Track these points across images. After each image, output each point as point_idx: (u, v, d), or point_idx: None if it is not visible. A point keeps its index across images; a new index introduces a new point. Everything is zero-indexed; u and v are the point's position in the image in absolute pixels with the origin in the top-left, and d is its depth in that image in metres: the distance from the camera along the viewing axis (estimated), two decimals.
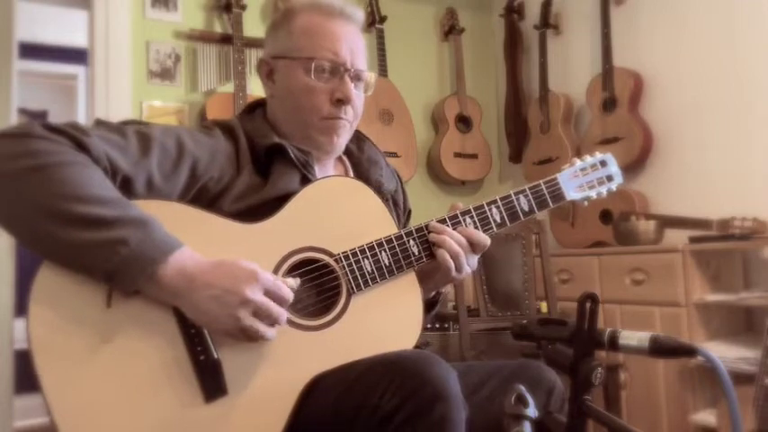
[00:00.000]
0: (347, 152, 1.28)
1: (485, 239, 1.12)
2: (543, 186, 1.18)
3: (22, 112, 3.80)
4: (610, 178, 1.24)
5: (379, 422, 0.87)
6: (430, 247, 1.10)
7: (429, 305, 1.20)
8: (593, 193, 1.22)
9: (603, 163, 1.24)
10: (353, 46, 1.15)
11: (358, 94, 1.18)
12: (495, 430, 0.81)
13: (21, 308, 2.74)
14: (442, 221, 1.12)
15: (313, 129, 1.15)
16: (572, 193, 1.20)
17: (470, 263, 1.11)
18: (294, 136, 1.15)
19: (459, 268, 1.09)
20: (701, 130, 2.57)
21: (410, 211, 1.36)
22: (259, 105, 1.23)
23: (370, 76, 1.20)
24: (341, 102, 1.14)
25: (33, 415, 3.33)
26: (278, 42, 1.19)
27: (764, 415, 1.70)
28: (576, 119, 3.05)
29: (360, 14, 1.20)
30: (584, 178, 1.22)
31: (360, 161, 1.27)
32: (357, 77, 1.17)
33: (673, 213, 2.52)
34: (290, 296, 0.94)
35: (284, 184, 1.07)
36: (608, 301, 2.44)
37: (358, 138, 1.31)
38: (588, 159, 1.24)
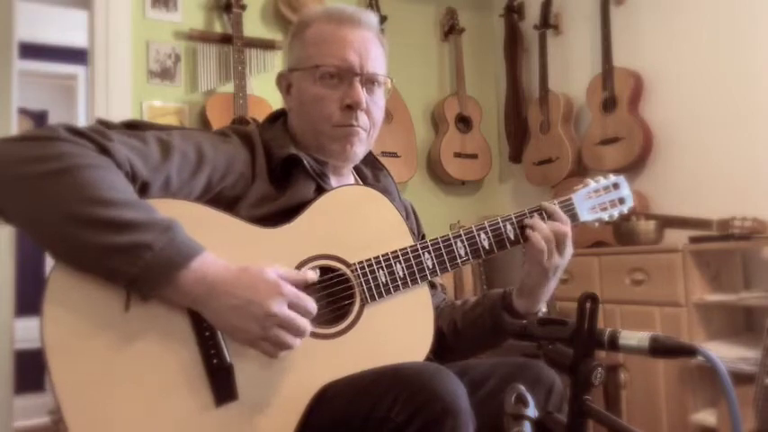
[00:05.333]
0: (362, 177, 1.27)
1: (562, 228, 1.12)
2: (558, 206, 1.17)
3: (22, 112, 3.81)
4: (622, 201, 1.23)
5: None
6: (444, 261, 1.10)
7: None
8: (605, 216, 1.21)
9: (616, 185, 1.23)
10: (363, 50, 1.13)
11: (373, 100, 1.15)
12: (495, 430, 0.81)
13: (21, 308, 2.74)
14: (457, 235, 1.11)
15: (325, 138, 1.14)
16: (585, 215, 1.19)
17: (562, 253, 1.12)
18: (310, 146, 1.14)
19: (549, 253, 1.11)
20: (701, 130, 2.57)
21: (424, 236, 1.34)
22: (281, 115, 1.22)
23: (388, 80, 1.18)
24: (351, 108, 1.12)
25: (33, 415, 3.34)
26: (293, 55, 1.18)
27: (764, 415, 1.70)
28: (576, 119, 3.05)
29: (372, 18, 1.17)
30: (597, 200, 1.21)
31: (375, 189, 1.23)
32: (371, 82, 1.14)
33: (673, 213, 2.52)
34: (314, 309, 0.93)
35: (299, 194, 1.07)
36: (608, 301, 2.44)
37: (375, 166, 1.29)
38: (602, 181, 1.23)
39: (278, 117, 1.22)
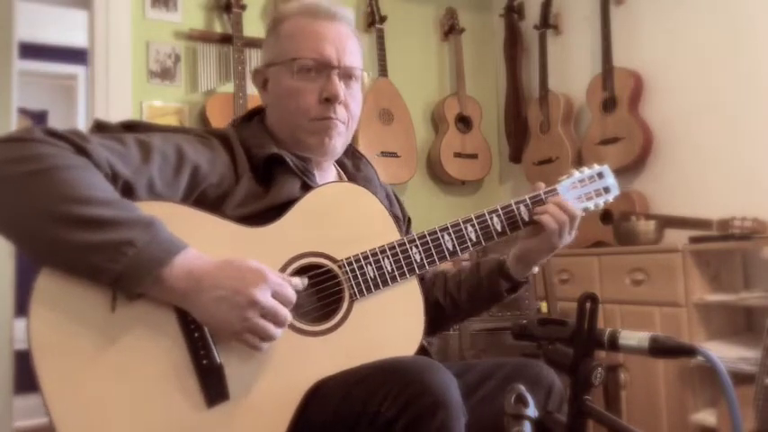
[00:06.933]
0: (343, 167, 1.27)
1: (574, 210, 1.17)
2: (543, 197, 1.19)
3: (22, 112, 3.81)
4: (607, 190, 1.25)
5: (379, 429, 0.87)
6: (432, 255, 1.10)
7: (513, 288, 1.26)
8: (590, 205, 1.23)
9: (600, 175, 1.26)
10: (340, 44, 1.13)
11: (351, 94, 1.16)
12: (495, 430, 0.81)
13: (21, 308, 2.74)
14: (444, 228, 1.13)
15: (303, 131, 1.14)
16: None
17: (571, 233, 1.19)
18: (288, 142, 1.14)
19: (560, 233, 1.16)
20: (701, 130, 2.57)
21: (410, 219, 1.35)
22: (257, 113, 1.22)
23: (364, 75, 1.18)
24: (329, 101, 1.12)
25: (33, 415, 3.33)
26: (268, 50, 1.19)
27: (764, 415, 1.70)
28: (576, 119, 3.05)
29: (348, 13, 1.18)
30: (582, 189, 1.23)
31: (355, 178, 1.25)
32: (348, 75, 1.15)
33: (673, 213, 2.52)
34: (293, 297, 0.94)
35: (286, 191, 1.07)
36: (608, 301, 2.44)
37: (354, 155, 1.30)
38: (586, 171, 1.25)
39: (253, 115, 1.22)
